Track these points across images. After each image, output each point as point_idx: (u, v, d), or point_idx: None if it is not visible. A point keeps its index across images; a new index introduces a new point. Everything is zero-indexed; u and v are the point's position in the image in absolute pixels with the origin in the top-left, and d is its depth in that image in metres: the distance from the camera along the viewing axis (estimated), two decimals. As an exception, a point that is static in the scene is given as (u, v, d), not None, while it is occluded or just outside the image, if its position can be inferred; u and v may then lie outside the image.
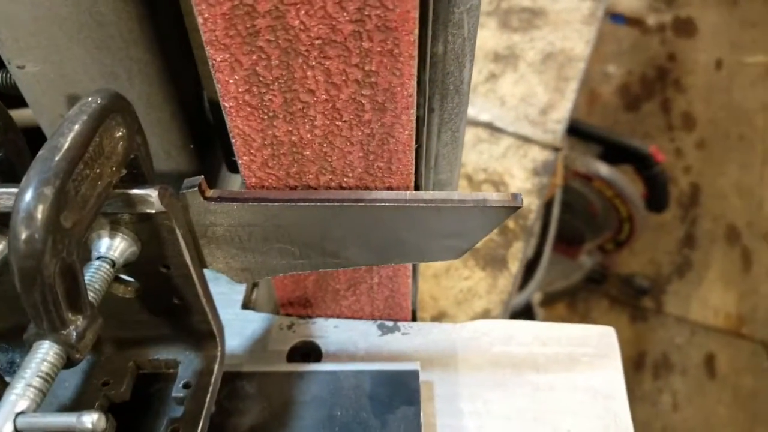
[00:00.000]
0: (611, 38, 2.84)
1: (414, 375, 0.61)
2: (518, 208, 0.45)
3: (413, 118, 0.44)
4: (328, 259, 0.50)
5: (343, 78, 0.41)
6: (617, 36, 2.88)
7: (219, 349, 0.55)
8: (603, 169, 1.92)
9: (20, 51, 0.50)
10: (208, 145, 0.60)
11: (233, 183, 0.70)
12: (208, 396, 0.53)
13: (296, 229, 0.48)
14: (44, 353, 0.39)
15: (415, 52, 0.39)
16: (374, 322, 0.71)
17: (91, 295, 0.42)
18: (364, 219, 0.47)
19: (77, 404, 0.53)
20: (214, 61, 0.40)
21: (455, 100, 0.50)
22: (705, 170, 2.54)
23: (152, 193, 0.42)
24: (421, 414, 0.59)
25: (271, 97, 0.42)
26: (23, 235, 0.34)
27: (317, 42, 0.38)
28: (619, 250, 2.18)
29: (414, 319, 0.73)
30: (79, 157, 0.37)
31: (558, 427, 0.64)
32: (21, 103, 0.55)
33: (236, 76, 0.41)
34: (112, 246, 0.44)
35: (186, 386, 0.53)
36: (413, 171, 0.49)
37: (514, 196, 0.45)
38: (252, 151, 0.46)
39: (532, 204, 1.14)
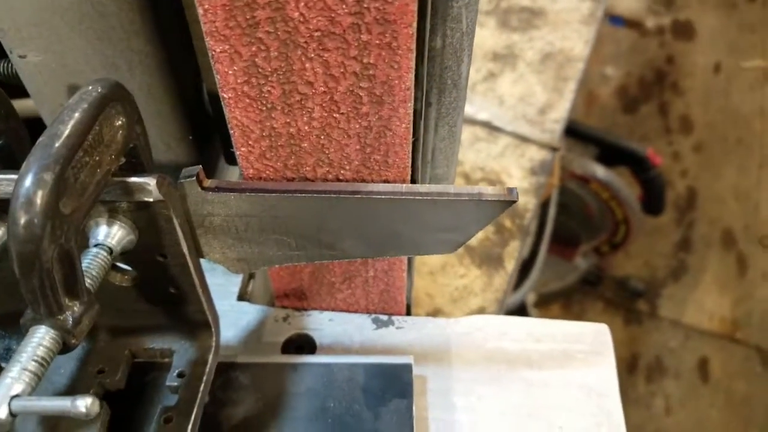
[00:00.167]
0: (610, 40, 2.84)
1: (407, 368, 0.61)
2: (513, 202, 0.46)
3: (411, 111, 0.45)
4: (324, 250, 0.51)
5: (342, 70, 0.41)
6: (616, 38, 2.88)
7: (214, 339, 0.55)
8: (600, 170, 1.92)
9: (22, 41, 0.50)
10: (207, 137, 0.61)
11: (231, 175, 0.70)
12: (202, 385, 0.53)
13: (293, 220, 0.48)
14: (40, 338, 0.39)
15: (414, 46, 0.40)
16: (369, 315, 0.71)
17: (88, 281, 0.42)
18: (361, 211, 0.47)
19: (72, 391, 0.53)
20: (213, 52, 0.41)
21: (453, 95, 0.50)
22: (702, 174, 2.54)
23: (150, 182, 0.43)
24: (414, 407, 0.59)
25: (269, 88, 0.42)
26: (22, 220, 0.35)
27: (316, 34, 0.39)
28: (614, 253, 2.18)
29: (408, 313, 0.74)
30: (78, 145, 0.37)
31: (551, 423, 0.64)
32: (22, 93, 0.56)
33: (235, 67, 0.41)
34: (110, 234, 0.45)
35: (180, 375, 0.54)
36: (410, 165, 0.49)
37: (510, 190, 0.46)
38: (250, 142, 0.47)
39: (528, 203, 1.14)
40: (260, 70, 0.41)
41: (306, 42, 0.39)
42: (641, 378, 2.10)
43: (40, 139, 0.36)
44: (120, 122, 0.41)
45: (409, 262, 0.68)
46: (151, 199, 0.43)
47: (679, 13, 2.99)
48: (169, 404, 0.52)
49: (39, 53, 0.51)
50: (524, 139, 1.24)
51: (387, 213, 0.47)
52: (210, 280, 0.54)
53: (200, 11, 0.38)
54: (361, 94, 0.43)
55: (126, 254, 0.48)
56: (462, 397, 0.66)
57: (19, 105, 0.58)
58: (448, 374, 0.67)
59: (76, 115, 0.37)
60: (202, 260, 0.53)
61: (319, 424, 0.58)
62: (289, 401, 0.59)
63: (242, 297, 0.73)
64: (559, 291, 2.25)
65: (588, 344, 0.70)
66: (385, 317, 0.71)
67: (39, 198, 0.35)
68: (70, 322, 0.40)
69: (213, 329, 0.55)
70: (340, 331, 0.70)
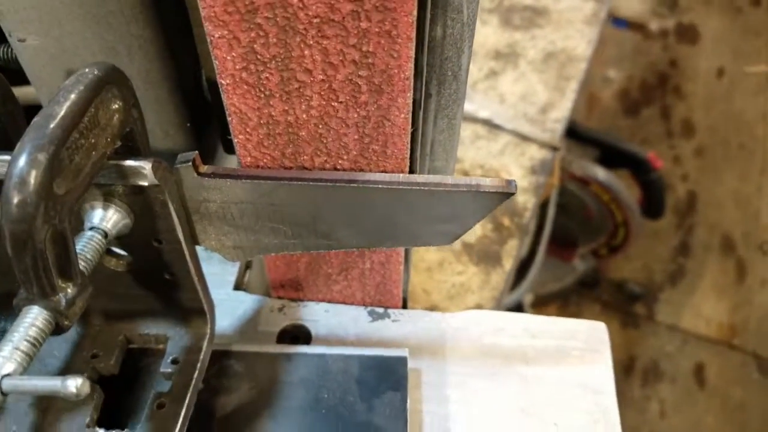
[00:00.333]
0: (613, 42, 2.84)
1: (402, 361, 0.61)
2: (511, 194, 0.46)
3: (410, 101, 0.44)
4: (320, 240, 0.50)
5: (341, 58, 0.41)
6: (619, 40, 2.88)
7: (209, 326, 0.55)
8: (600, 172, 1.92)
9: (21, 24, 0.50)
10: (206, 124, 0.61)
11: (229, 164, 0.70)
12: (196, 372, 0.53)
13: (288, 208, 0.48)
14: (33, 318, 0.39)
15: (413, 34, 0.40)
16: (365, 308, 0.71)
17: (82, 264, 0.42)
18: (357, 200, 0.47)
19: (65, 374, 0.53)
20: (212, 38, 0.40)
21: (453, 86, 0.50)
22: (702, 178, 2.54)
23: (146, 166, 0.43)
24: (408, 400, 0.59)
25: (268, 75, 0.42)
26: (15, 200, 0.35)
27: (315, 21, 0.39)
28: (613, 255, 2.17)
29: (405, 307, 0.74)
30: (73, 126, 0.37)
31: (545, 419, 0.64)
32: (22, 79, 0.56)
33: (234, 54, 0.41)
34: (105, 217, 0.45)
35: (174, 362, 0.54)
36: (408, 156, 0.49)
37: (508, 182, 0.46)
38: (248, 130, 0.47)
39: (528, 202, 1.14)
40: (259, 56, 0.41)
41: (305, 29, 0.39)
42: (637, 381, 2.09)
43: (35, 119, 0.36)
44: (116, 106, 0.41)
45: (407, 254, 0.67)
46: (146, 183, 0.43)
47: (683, 17, 2.99)
48: (163, 390, 0.52)
49: (38, 37, 0.51)
50: (524, 138, 1.24)
51: (383, 203, 0.47)
52: (206, 269, 0.54)
53: (199, -5, 0.38)
54: (359, 82, 0.43)
55: (121, 239, 0.48)
56: (456, 390, 0.66)
57: (20, 92, 0.59)
58: (443, 368, 0.67)
59: (72, 96, 0.37)
60: (198, 248, 0.53)
61: (312, 415, 0.58)
62: (283, 391, 0.59)
63: (238, 287, 0.74)
64: (557, 292, 2.25)
65: (585, 341, 0.70)
66: (381, 310, 0.71)
67: (33, 178, 0.35)
68: (63, 303, 0.40)
69: (208, 316, 0.55)
70: (336, 322, 0.70)
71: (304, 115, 0.45)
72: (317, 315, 0.71)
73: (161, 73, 0.54)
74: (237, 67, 0.42)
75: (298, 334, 0.69)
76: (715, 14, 3.00)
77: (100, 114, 0.40)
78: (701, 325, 2.22)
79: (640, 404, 2.05)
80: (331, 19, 0.39)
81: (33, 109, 0.53)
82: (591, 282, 2.28)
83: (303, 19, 0.39)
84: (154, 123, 0.58)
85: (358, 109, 0.45)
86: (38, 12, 0.49)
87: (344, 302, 0.72)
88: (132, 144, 0.44)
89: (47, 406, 0.51)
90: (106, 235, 0.44)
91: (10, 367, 0.38)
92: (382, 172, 0.50)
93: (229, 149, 0.65)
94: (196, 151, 0.46)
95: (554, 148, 1.24)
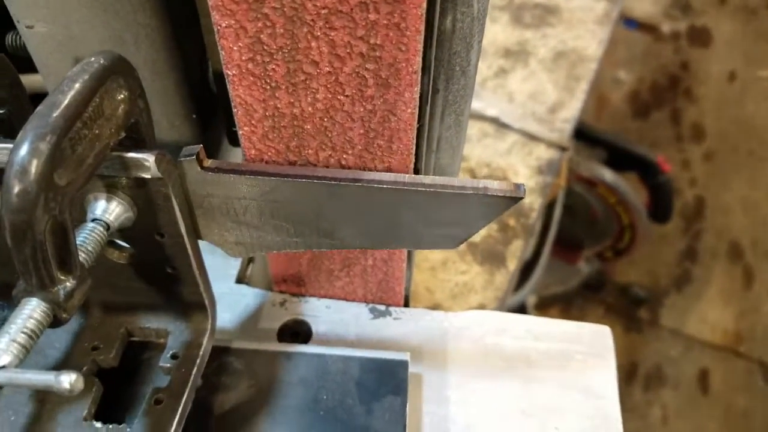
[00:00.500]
0: (624, 44, 2.82)
1: (403, 365, 0.61)
2: (520, 198, 0.45)
3: (417, 96, 0.44)
4: (322, 239, 0.50)
5: (348, 50, 0.40)
6: (630, 42, 2.85)
7: (209, 322, 0.54)
8: (607, 174, 1.90)
9: (29, 10, 0.50)
10: (212, 116, 0.60)
11: (235, 156, 0.70)
12: (195, 369, 0.52)
13: (292, 205, 0.47)
14: (31, 310, 0.39)
15: (422, 27, 0.39)
16: (366, 305, 0.71)
17: (82, 256, 0.42)
18: (361, 199, 0.47)
19: (65, 366, 0.53)
20: (219, 27, 0.40)
21: (461, 82, 0.49)
22: (711, 184, 2.52)
23: (149, 158, 0.42)
24: (407, 406, 0.58)
25: (274, 66, 0.42)
26: (16, 189, 0.34)
27: (323, 12, 0.38)
28: (618, 259, 2.16)
29: (407, 305, 0.73)
30: (77, 115, 0.37)
31: (545, 423, 0.64)
32: (30, 66, 0.55)
33: (240, 44, 0.41)
34: (108, 209, 0.44)
35: (174, 357, 0.53)
36: (414, 152, 0.48)
37: (517, 186, 0.45)
38: (253, 122, 0.46)
39: (534, 203, 1.13)
40: (265, 47, 0.41)
41: (312, 20, 0.39)
42: (639, 386, 2.08)
43: (38, 108, 0.35)
44: (122, 96, 0.41)
45: (409, 252, 0.67)
46: (149, 176, 0.43)
47: (696, 19, 2.96)
48: (161, 385, 0.52)
49: (46, 24, 0.50)
50: (532, 138, 1.23)
51: (388, 203, 0.46)
52: (209, 261, 0.54)
53: (207, -16, 0.38)
54: (366, 76, 0.42)
55: (123, 231, 0.47)
56: (457, 391, 0.65)
57: (28, 80, 0.58)
58: (443, 368, 0.67)
59: (76, 85, 0.37)
60: (201, 242, 0.53)
61: (310, 415, 0.57)
62: (281, 390, 0.59)
63: (241, 280, 0.73)
64: (561, 294, 2.24)
65: (588, 345, 0.69)
66: (382, 307, 0.71)
67: (34, 167, 0.34)
68: (62, 295, 0.39)
69: (209, 312, 0.54)
70: (337, 319, 0.70)
71: (310, 108, 0.45)
72: (318, 311, 0.70)
73: (168, 64, 0.54)
74: (243, 57, 0.42)
75: (299, 330, 0.69)
76: (728, 17, 2.98)
77: (105, 104, 0.39)
78: (706, 331, 2.21)
79: (642, 409, 2.03)
80: (339, 11, 0.38)
81: (41, 97, 0.53)
82: (595, 285, 2.27)
83: (311, 10, 0.38)
84: (159, 114, 0.57)
85: (364, 103, 0.44)
86: (46, -1, 0.49)
87: (346, 299, 0.71)
88: (137, 135, 0.43)
89: (45, 397, 0.51)
90: (108, 227, 0.44)
91: (6, 359, 0.37)
92: (387, 167, 0.50)
93: (234, 141, 0.64)
94: (201, 145, 0.45)
95: (562, 149, 1.23)
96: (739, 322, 2.21)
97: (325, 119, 0.45)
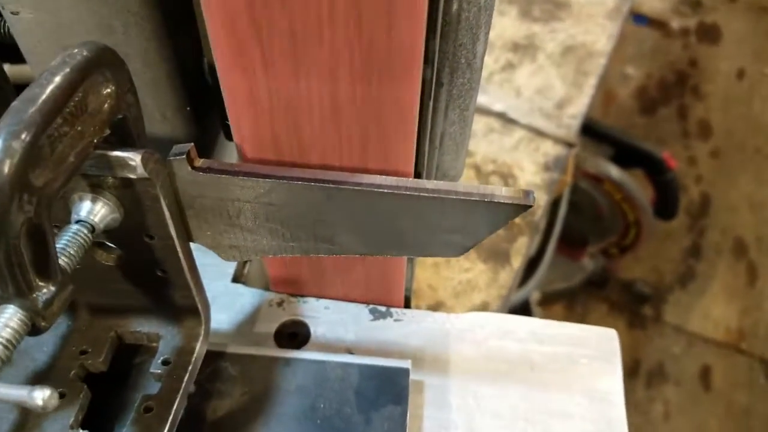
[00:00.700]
0: (632, 39, 2.78)
1: (404, 373, 0.58)
2: (529, 207, 0.42)
3: (419, 90, 0.41)
4: (320, 244, 0.47)
5: (345, 36, 0.37)
6: (639, 37, 2.82)
7: (203, 327, 0.52)
8: (613, 171, 1.88)
9: (14, -5, 0.47)
10: (206, 108, 0.58)
11: (231, 151, 0.67)
12: (187, 375, 0.50)
13: (288, 209, 0.45)
14: (7, 318, 0.36)
15: (425, 15, 0.36)
16: (366, 305, 0.69)
17: (64, 260, 0.39)
18: (361, 204, 0.44)
19: (52, 370, 0.51)
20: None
21: (466, 76, 0.47)
22: (717, 181, 2.49)
23: (135, 158, 0.39)
24: (408, 416, 0.56)
25: (264, 53, 0.39)
26: (-13, 190, 0.32)
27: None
28: (623, 255, 2.14)
29: (408, 306, 0.71)
30: (56, 111, 0.34)
31: (550, 428, 0.62)
32: (18, 56, 0.53)
33: (229, 30, 0.38)
34: (93, 210, 0.42)
35: (165, 363, 0.51)
36: (415, 147, 0.46)
37: (526, 193, 0.42)
38: (243, 115, 0.44)
39: (540, 200, 1.11)
40: (255, 33, 0.38)
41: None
42: (641, 382, 2.07)
43: (13, 103, 0.33)
44: (108, 90, 0.38)
45: (412, 254, 0.64)
46: (135, 176, 0.40)
47: (706, 16, 2.93)
48: (151, 392, 0.50)
49: (32, 10, 0.48)
50: (539, 133, 1.21)
51: (389, 208, 0.44)
52: (205, 260, 0.51)
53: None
54: (366, 65, 0.39)
55: (111, 232, 0.45)
56: (458, 396, 0.63)
57: (15, 70, 0.56)
58: (445, 372, 0.65)
59: (56, 79, 0.34)
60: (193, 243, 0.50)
61: (307, 424, 0.55)
62: (277, 397, 0.56)
63: (237, 279, 0.71)
64: (564, 291, 2.22)
65: (594, 349, 0.67)
66: (383, 308, 0.69)
67: (6, 167, 0.31)
68: (41, 303, 0.37)
69: (202, 316, 0.52)
70: (336, 320, 0.67)
71: (303, 101, 0.42)
72: (317, 311, 0.68)
73: (159, 53, 0.51)
74: (232, 45, 0.39)
75: (297, 331, 0.66)
76: (739, 14, 2.94)
77: (89, 99, 0.37)
78: (709, 328, 2.19)
79: (643, 405, 2.02)
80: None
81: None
82: (599, 281, 2.25)
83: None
84: (151, 106, 0.54)
85: (362, 95, 0.41)
86: (31, -17, 0.46)
87: (345, 299, 0.69)
88: (125, 132, 0.41)
89: (28, 405, 0.49)
90: (93, 229, 0.41)
91: (-20, 371, 0.35)
92: (386, 166, 0.47)
93: (230, 135, 0.62)
94: (192, 144, 0.42)
95: (569, 145, 1.21)
96: (742, 319, 2.20)
97: (320, 113, 0.43)
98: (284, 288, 0.69)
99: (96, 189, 0.42)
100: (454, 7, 0.41)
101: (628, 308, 2.25)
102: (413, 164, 0.49)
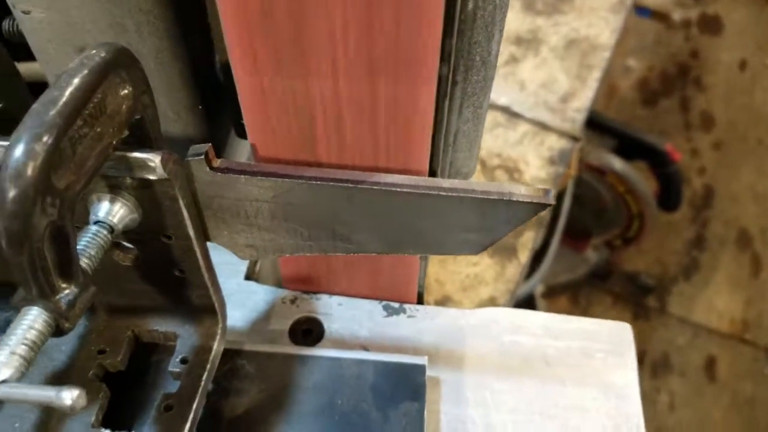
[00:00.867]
0: (634, 31, 2.77)
1: (420, 370, 0.58)
2: (548, 206, 0.42)
3: (434, 87, 0.41)
4: (337, 243, 0.47)
5: (362, 34, 0.37)
6: (641, 29, 2.81)
7: (220, 326, 0.52)
8: (617, 163, 1.88)
9: (25, -6, 0.47)
10: (218, 107, 0.57)
11: (242, 149, 0.67)
12: (206, 373, 0.50)
13: (306, 208, 0.45)
14: (32, 320, 0.36)
15: (442, 13, 0.36)
16: (380, 302, 0.68)
17: (85, 261, 0.39)
18: (379, 203, 0.44)
19: (71, 370, 0.51)
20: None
21: (481, 74, 0.47)
22: (720, 172, 2.49)
23: (154, 159, 0.39)
24: (425, 412, 0.56)
25: (280, 52, 0.39)
26: (11, 194, 0.32)
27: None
28: (626, 247, 2.14)
29: (420, 302, 0.71)
30: (76, 113, 0.34)
31: (566, 423, 0.62)
32: (27, 54, 0.53)
33: (245, 29, 0.38)
34: (112, 211, 0.42)
35: (183, 362, 0.51)
36: (430, 144, 0.46)
37: (545, 192, 0.42)
38: (260, 113, 0.43)
39: (547, 194, 1.11)
40: (271, 30, 0.37)
41: None
42: (646, 374, 2.07)
43: (34, 105, 0.33)
44: (125, 91, 0.38)
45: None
46: (155, 177, 0.40)
47: (708, 7, 2.92)
48: (171, 391, 0.50)
49: (43, 9, 0.48)
50: (544, 127, 1.20)
51: (407, 207, 0.44)
52: (218, 258, 0.51)
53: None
54: (381, 63, 0.39)
55: (129, 233, 0.45)
56: (474, 391, 0.63)
57: (24, 68, 0.55)
58: (460, 367, 0.65)
59: (75, 81, 0.34)
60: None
61: (325, 421, 0.55)
62: (295, 394, 0.56)
63: (249, 277, 0.71)
64: (568, 283, 2.22)
65: (608, 343, 0.67)
66: (396, 305, 0.68)
67: (30, 170, 0.31)
68: (64, 305, 0.37)
69: (219, 315, 0.52)
70: (350, 316, 0.67)
71: (319, 99, 0.42)
72: (330, 308, 0.68)
73: (172, 52, 0.51)
74: (248, 43, 0.39)
75: (311, 328, 0.66)
76: (740, 5, 2.93)
77: (108, 100, 0.36)
78: (713, 319, 2.19)
79: (649, 396, 2.02)
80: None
81: (40, 86, 0.50)
82: (603, 273, 2.25)
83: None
84: (164, 105, 0.54)
85: (377, 94, 0.41)
86: (42, -19, 0.46)
87: (358, 295, 0.69)
88: (142, 133, 0.40)
89: (49, 405, 0.49)
90: (112, 230, 0.41)
91: (6, 373, 0.35)
92: (402, 164, 0.47)
93: (242, 134, 0.62)
94: (210, 144, 0.42)
95: (574, 139, 1.20)
96: (746, 310, 2.20)
97: (334, 113, 0.42)
98: (297, 285, 0.69)
99: (114, 190, 0.42)
100: (470, 5, 0.41)
101: (633, 300, 2.25)
102: (428, 162, 0.49)
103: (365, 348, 0.65)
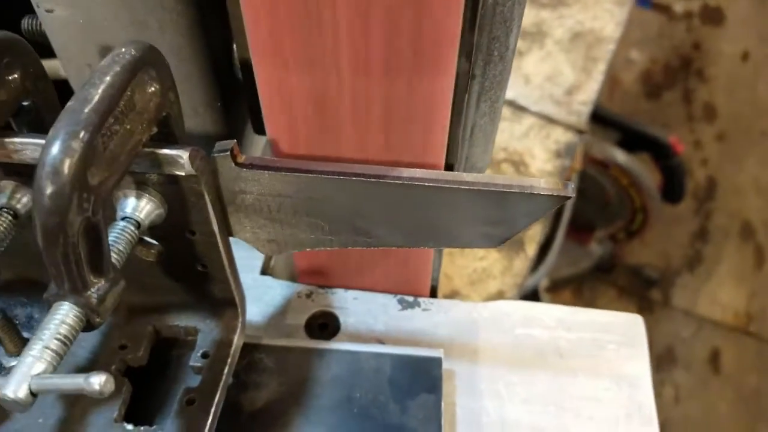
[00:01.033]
0: (636, 23, 2.76)
1: (437, 362, 0.59)
2: (568, 198, 0.42)
3: (452, 82, 0.41)
4: (358, 237, 0.48)
5: (382, 29, 0.38)
6: (643, 21, 2.81)
7: (240, 320, 0.53)
8: (620, 156, 1.88)
9: (50, -8, 0.48)
10: (235, 103, 0.58)
11: (258, 144, 0.68)
12: (226, 368, 0.51)
13: (328, 203, 0.45)
14: (63, 315, 0.37)
15: (461, 7, 0.36)
16: (394, 296, 0.69)
17: (114, 256, 0.40)
18: (400, 197, 0.44)
19: (94, 366, 0.52)
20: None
21: (498, 68, 0.47)
22: (723, 164, 2.49)
23: (183, 155, 0.40)
24: (442, 404, 0.57)
25: (300, 47, 0.39)
26: (48, 191, 0.32)
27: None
28: (630, 240, 2.15)
29: (434, 295, 0.71)
30: (109, 111, 0.34)
31: (579, 413, 0.63)
32: (45, 52, 0.53)
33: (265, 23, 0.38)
34: (138, 207, 0.42)
35: (204, 356, 0.52)
36: (446, 138, 0.46)
37: (566, 184, 0.42)
38: (279, 108, 0.44)
39: (554, 188, 1.11)
40: (290, 25, 0.38)
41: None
42: (651, 367, 2.07)
43: (69, 103, 0.33)
44: (153, 89, 0.39)
45: (440, 244, 0.65)
46: (183, 173, 0.41)
47: (710, -2, 2.92)
48: (192, 385, 0.50)
49: (66, 8, 0.48)
50: (550, 120, 1.21)
51: (428, 201, 0.44)
52: (233, 253, 0.52)
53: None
54: (401, 57, 0.39)
55: (153, 229, 0.45)
56: (489, 383, 0.64)
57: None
58: (475, 360, 0.66)
59: (108, 78, 0.35)
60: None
61: (343, 413, 0.56)
62: (313, 388, 0.57)
63: (265, 271, 0.71)
64: (572, 276, 2.23)
65: (620, 335, 0.68)
66: (410, 298, 0.69)
67: (66, 167, 0.32)
68: (95, 299, 0.37)
69: (239, 309, 0.53)
70: (365, 310, 0.68)
71: (338, 93, 0.42)
72: (346, 302, 0.69)
73: (193, 50, 0.51)
74: (267, 38, 0.39)
75: (327, 322, 0.67)
76: (743, -4, 2.92)
77: (136, 98, 0.37)
78: (717, 312, 2.20)
79: (654, 389, 2.02)
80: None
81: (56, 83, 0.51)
82: (607, 267, 2.26)
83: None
84: (184, 101, 0.54)
85: (396, 89, 0.42)
86: (67, -19, 0.46)
87: (373, 289, 0.69)
88: (168, 129, 0.41)
89: (75, 399, 0.49)
90: (138, 225, 0.42)
91: (40, 367, 0.36)
92: (417, 156, 0.48)
93: (259, 130, 0.62)
94: (234, 141, 0.43)
95: (580, 131, 1.21)
96: (750, 302, 2.20)
97: (353, 107, 0.43)
98: (312, 279, 0.69)
99: (141, 186, 0.42)
100: (490, 1, 0.41)
101: (637, 293, 2.26)
102: (444, 157, 0.49)
103: (381, 341, 0.65)
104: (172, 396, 0.52)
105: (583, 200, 1.92)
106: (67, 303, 0.37)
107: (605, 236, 2.17)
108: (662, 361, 2.10)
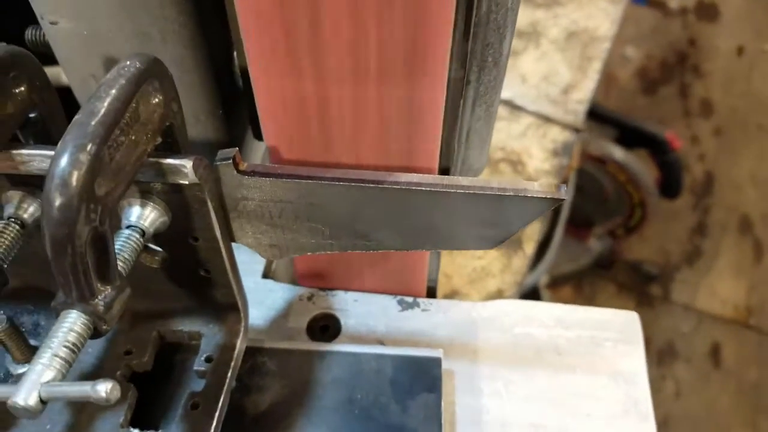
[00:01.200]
0: (631, 20, 2.77)
1: (436, 362, 0.60)
2: (561, 200, 0.44)
3: (444, 88, 0.42)
4: (357, 240, 0.49)
5: (375, 35, 0.39)
6: (638, 17, 2.81)
7: (242, 324, 0.54)
8: (617, 152, 1.89)
9: (54, 6, 0.48)
10: (235, 110, 0.59)
11: (257, 149, 0.69)
12: (230, 371, 0.52)
13: (328, 208, 0.46)
14: (71, 323, 0.38)
15: (452, 17, 0.37)
16: (394, 297, 0.70)
17: (120, 264, 0.41)
18: (399, 202, 0.45)
19: (99, 372, 0.52)
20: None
21: (492, 73, 0.48)
22: (720, 159, 2.50)
23: (187, 164, 0.41)
24: (442, 403, 0.58)
25: (296, 55, 0.40)
26: (57, 202, 0.33)
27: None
28: (629, 236, 2.15)
29: (433, 296, 0.72)
30: (115, 123, 0.35)
31: (577, 410, 0.64)
32: (47, 61, 0.54)
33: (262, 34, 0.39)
34: (143, 215, 0.43)
35: (208, 360, 0.53)
36: (440, 142, 0.47)
37: (559, 187, 0.44)
38: (277, 116, 0.45)
39: (551, 186, 1.12)
40: (286, 35, 0.39)
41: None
42: (652, 362, 2.08)
43: (77, 116, 0.34)
44: (157, 100, 0.39)
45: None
46: (187, 182, 0.42)
47: (705, -6, 2.92)
48: (197, 389, 0.51)
49: (71, 20, 0.49)
50: (547, 120, 1.21)
51: (426, 205, 0.45)
52: (235, 258, 0.53)
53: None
54: (395, 62, 0.40)
55: (157, 236, 0.46)
56: (488, 382, 0.65)
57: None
58: (474, 359, 0.66)
59: (113, 91, 0.36)
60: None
61: (345, 415, 0.57)
62: (315, 390, 0.58)
63: (266, 275, 0.72)
64: (572, 273, 2.23)
65: (617, 332, 0.69)
66: (410, 299, 0.70)
67: (75, 179, 0.33)
68: (102, 307, 0.38)
69: (242, 313, 0.53)
70: (365, 312, 0.69)
71: (334, 100, 0.43)
72: (346, 304, 0.70)
73: (194, 60, 0.52)
74: (265, 48, 0.40)
75: (328, 324, 0.68)
76: (737, -9, 2.93)
77: (141, 109, 0.38)
78: (717, 306, 2.21)
79: (654, 384, 2.02)
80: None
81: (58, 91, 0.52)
82: (606, 263, 2.27)
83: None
84: (186, 110, 0.55)
85: (389, 96, 0.43)
86: (72, -6, 0.47)
87: (373, 291, 0.70)
88: (171, 139, 0.42)
89: (82, 405, 0.50)
90: (143, 233, 0.43)
91: (49, 375, 0.37)
92: (412, 161, 0.48)
93: (259, 135, 0.63)
94: (237, 149, 0.44)
95: (577, 130, 1.22)
96: (749, 296, 2.21)
97: (350, 114, 0.44)
98: (312, 282, 0.70)
99: (145, 194, 0.43)
100: (483, 8, 0.42)
101: (636, 288, 2.27)
102: (437, 160, 0.50)
103: (381, 342, 0.66)
104: (176, 400, 0.53)
105: (581, 197, 1.92)
106: (74, 311, 0.38)
107: (604, 232, 2.18)
108: (663, 355, 2.11)
